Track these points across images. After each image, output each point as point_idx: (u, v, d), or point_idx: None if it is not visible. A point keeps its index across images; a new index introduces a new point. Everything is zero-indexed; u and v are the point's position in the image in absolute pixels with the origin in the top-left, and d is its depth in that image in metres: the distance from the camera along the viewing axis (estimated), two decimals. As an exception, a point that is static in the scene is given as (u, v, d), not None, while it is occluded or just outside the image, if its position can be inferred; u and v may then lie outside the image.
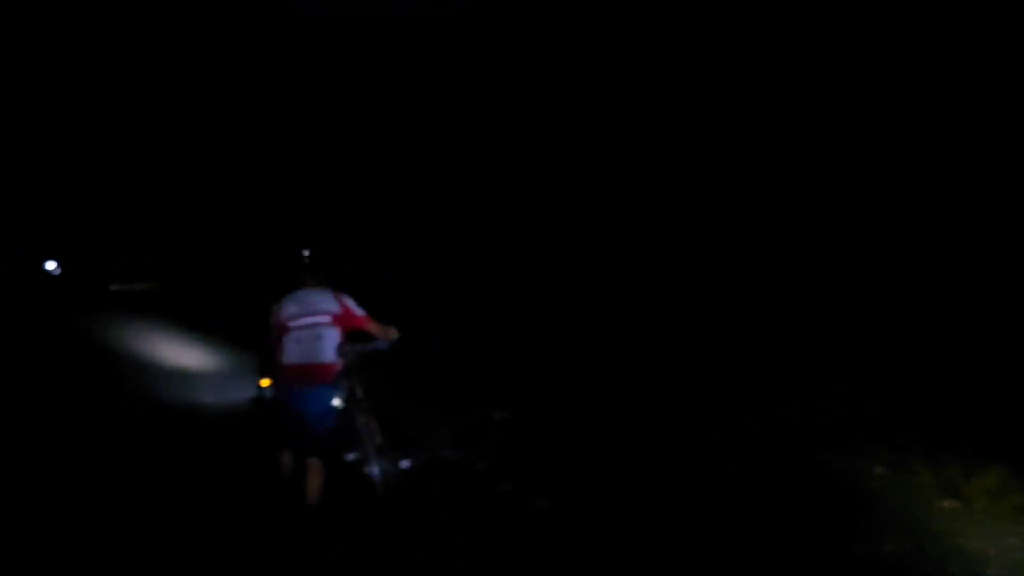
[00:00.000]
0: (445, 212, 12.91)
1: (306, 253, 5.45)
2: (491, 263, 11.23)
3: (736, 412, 6.91)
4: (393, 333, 5.01)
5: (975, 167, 7.35)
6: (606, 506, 4.91)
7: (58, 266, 17.87)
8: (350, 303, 4.89)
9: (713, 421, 6.82)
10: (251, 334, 9.19)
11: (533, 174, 11.82)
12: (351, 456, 5.33)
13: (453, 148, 12.64)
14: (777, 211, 8.92)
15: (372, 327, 4.95)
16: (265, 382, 7.94)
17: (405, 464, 5.29)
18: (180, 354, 10.88)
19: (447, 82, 12.32)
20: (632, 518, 4.69)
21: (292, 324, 4.70)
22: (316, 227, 15.32)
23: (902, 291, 7.70)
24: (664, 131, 10.20)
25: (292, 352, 4.67)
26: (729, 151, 9.53)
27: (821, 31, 8.39)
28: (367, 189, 14.43)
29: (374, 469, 4.90)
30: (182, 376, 9.76)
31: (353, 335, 4.96)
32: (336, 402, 4.86)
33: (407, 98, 12.74)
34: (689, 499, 5.07)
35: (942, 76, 7.51)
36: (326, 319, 4.74)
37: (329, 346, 4.72)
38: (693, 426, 6.75)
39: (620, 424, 6.96)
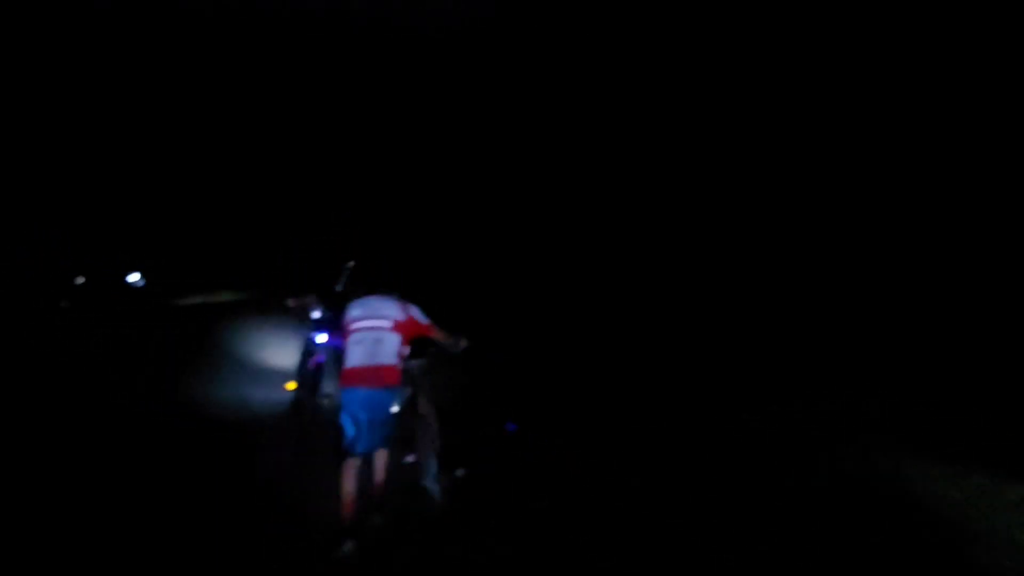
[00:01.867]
0: (446, 212, 13.20)
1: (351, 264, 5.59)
2: (492, 263, 11.34)
3: (736, 412, 7.01)
4: (463, 341, 5.11)
5: (975, 167, 7.22)
6: (606, 506, 5.06)
7: (141, 278, 18.29)
8: (415, 311, 4.97)
9: (713, 421, 6.92)
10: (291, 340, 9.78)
11: (536, 174, 11.96)
12: (409, 459, 5.55)
13: (457, 149, 12.91)
14: (778, 212, 8.90)
15: (438, 334, 5.02)
16: (290, 386, 8.57)
17: (459, 473, 5.45)
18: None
19: (449, 85, 12.57)
20: (631, 518, 4.85)
21: (354, 327, 4.79)
22: (316, 227, 15.87)
23: (902, 291, 7.67)
24: (665, 132, 10.24)
25: (353, 354, 4.74)
26: (730, 152, 9.54)
27: (821, 31, 8.34)
28: (369, 190, 14.86)
29: (432, 479, 5.05)
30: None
31: (419, 342, 5.04)
32: (394, 408, 4.91)
33: (411, 100, 13.04)
34: (688, 499, 5.20)
35: (942, 77, 7.39)
36: (388, 324, 4.81)
37: (389, 350, 4.76)
38: (693, 426, 6.86)
39: (621, 424, 7.10)
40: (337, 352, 7.90)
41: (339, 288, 7.82)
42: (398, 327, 4.83)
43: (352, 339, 4.77)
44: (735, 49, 9.16)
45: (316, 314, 8.27)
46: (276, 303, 9.60)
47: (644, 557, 4.28)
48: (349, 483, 4.61)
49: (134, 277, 18.21)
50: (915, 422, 6.38)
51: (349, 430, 4.68)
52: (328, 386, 8.38)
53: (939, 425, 6.26)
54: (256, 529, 4.76)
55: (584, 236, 11.33)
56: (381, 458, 4.75)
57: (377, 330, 4.78)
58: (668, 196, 10.30)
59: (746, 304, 8.81)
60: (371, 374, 4.70)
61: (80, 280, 17.04)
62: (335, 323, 7.78)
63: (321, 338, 8.23)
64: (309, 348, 8.34)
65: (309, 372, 8.27)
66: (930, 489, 5.17)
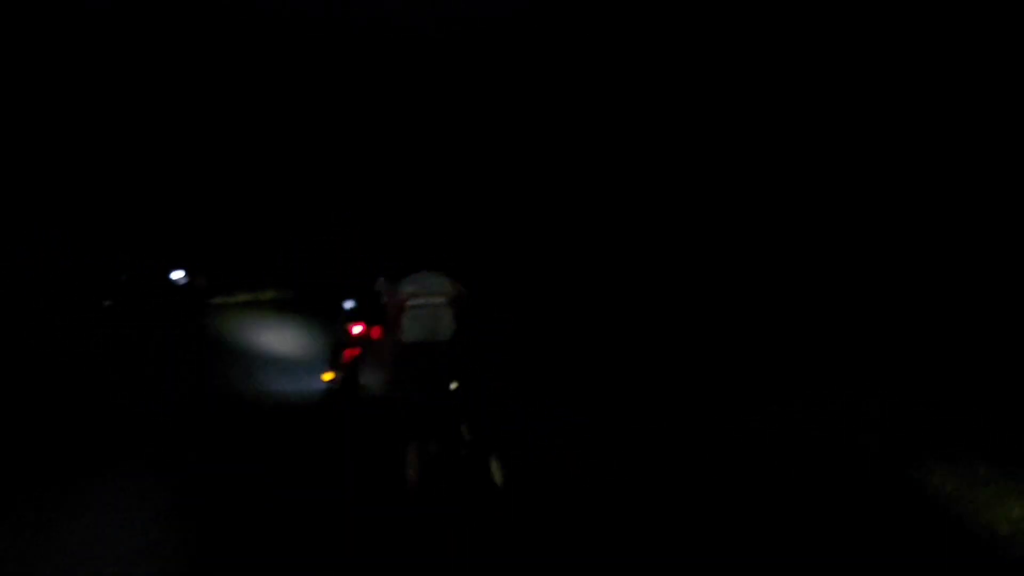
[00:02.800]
0: (443, 211, 13.41)
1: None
2: (493, 262, 11.41)
3: (736, 412, 7.12)
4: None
5: (975, 167, 7.20)
6: (606, 506, 5.17)
7: (185, 275, 18.59)
8: (460, 286, 5.15)
9: (713, 421, 7.04)
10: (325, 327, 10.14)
11: (535, 173, 12.06)
12: (466, 440, 5.57)
13: (458, 147, 13.07)
14: (777, 212, 8.93)
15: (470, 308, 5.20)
16: (328, 376, 8.96)
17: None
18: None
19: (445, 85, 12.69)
20: (631, 518, 4.95)
21: (411, 303, 4.92)
22: (317, 226, 16.29)
23: (902, 291, 7.66)
24: (667, 131, 10.17)
25: (410, 329, 4.88)
26: (730, 151, 9.54)
27: (821, 31, 8.28)
28: (370, 189, 15.17)
29: (493, 458, 5.20)
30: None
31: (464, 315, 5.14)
32: (452, 385, 5.05)
33: (411, 100, 13.20)
34: (688, 499, 5.32)
35: (942, 76, 7.38)
36: (442, 299, 4.96)
37: (445, 324, 4.92)
38: (693, 426, 6.99)
39: (620, 424, 7.22)
40: (373, 342, 8.38)
41: (384, 300, 8.06)
42: (452, 302, 5.02)
43: (409, 315, 4.91)
44: (732, 45, 9.19)
45: (349, 304, 8.67)
46: (313, 298, 10.02)
47: (644, 557, 4.36)
48: (413, 456, 4.75)
49: (178, 274, 18.37)
50: (915, 422, 6.41)
51: (403, 404, 4.96)
52: (366, 376, 8.79)
53: (939, 425, 6.29)
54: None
55: (582, 235, 11.30)
56: (428, 448, 4.83)
57: (435, 305, 4.93)
58: (667, 196, 10.22)
59: (746, 304, 8.85)
60: (430, 348, 4.90)
61: (123, 277, 17.32)
62: (370, 314, 8.28)
63: (356, 329, 8.58)
64: (344, 339, 8.70)
65: (345, 363, 8.63)
66: (931, 488, 5.20)
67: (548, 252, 11.66)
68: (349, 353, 8.65)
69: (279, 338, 13.17)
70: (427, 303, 4.90)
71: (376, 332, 8.26)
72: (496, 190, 12.80)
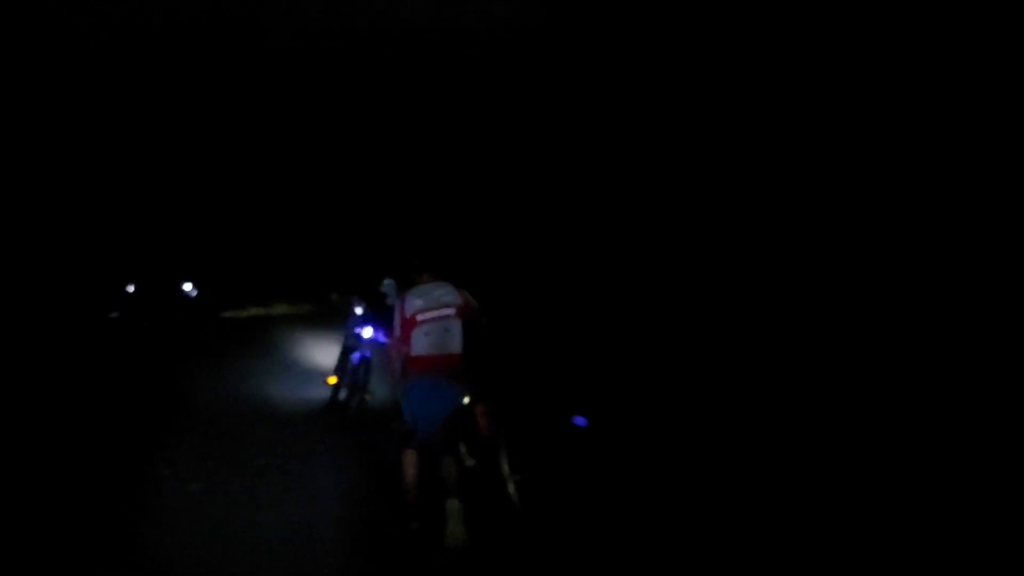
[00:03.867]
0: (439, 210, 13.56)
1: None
2: (491, 261, 11.42)
3: (736, 412, 7.14)
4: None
5: (975, 167, 7.18)
6: (605, 506, 5.19)
7: (194, 287, 18.69)
8: (468, 295, 5.05)
9: (713, 421, 7.04)
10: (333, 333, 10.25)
11: (532, 172, 12.28)
12: (471, 461, 5.64)
13: (454, 144, 13.24)
14: (776, 211, 8.97)
15: (482, 319, 5.11)
16: (332, 380, 8.92)
17: (516, 477, 5.44)
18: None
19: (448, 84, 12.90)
20: (630, 518, 4.99)
21: (420, 318, 4.79)
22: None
23: (901, 290, 7.61)
24: (664, 130, 10.33)
25: (421, 344, 4.76)
26: (729, 150, 9.62)
27: (821, 31, 8.37)
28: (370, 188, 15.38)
29: (507, 473, 5.19)
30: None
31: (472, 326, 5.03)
32: (465, 399, 5.06)
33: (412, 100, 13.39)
34: (687, 499, 5.35)
35: (942, 76, 7.41)
36: (452, 312, 4.86)
37: (456, 338, 4.84)
38: (692, 426, 6.99)
39: (619, 424, 7.18)
40: (382, 347, 8.40)
41: (389, 302, 7.83)
42: (459, 312, 4.91)
43: (420, 329, 4.80)
44: (731, 45, 9.30)
45: (359, 310, 8.72)
46: (323, 302, 10.19)
47: (643, 557, 4.41)
48: (411, 472, 4.72)
49: (188, 286, 18.48)
50: (913, 422, 6.33)
51: (412, 419, 4.84)
52: (374, 381, 8.74)
53: (937, 425, 6.19)
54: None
55: (583, 233, 11.44)
56: (450, 466, 4.78)
57: (445, 319, 4.84)
58: (667, 195, 10.36)
59: (745, 302, 8.91)
60: (442, 363, 4.81)
61: (131, 288, 17.48)
62: (379, 319, 8.32)
63: (366, 333, 8.59)
64: (352, 343, 8.77)
65: (353, 367, 8.71)
66: (929, 488, 5.16)
67: (548, 250, 11.72)
68: (358, 357, 8.69)
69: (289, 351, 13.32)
70: (437, 316, 4.83)
71: (385, 336, 8.27)
72: (497, 188, 12.92)
